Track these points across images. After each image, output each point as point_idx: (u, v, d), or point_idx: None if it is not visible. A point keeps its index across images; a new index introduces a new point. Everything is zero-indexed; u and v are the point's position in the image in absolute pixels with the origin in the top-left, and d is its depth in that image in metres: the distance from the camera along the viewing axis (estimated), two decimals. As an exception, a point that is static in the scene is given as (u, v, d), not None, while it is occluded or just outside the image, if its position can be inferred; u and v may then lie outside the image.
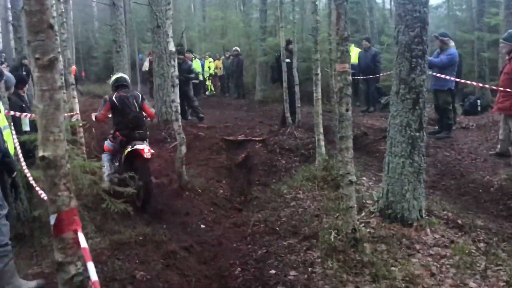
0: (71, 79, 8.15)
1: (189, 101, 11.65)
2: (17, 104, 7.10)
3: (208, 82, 21.09)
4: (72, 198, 2.14)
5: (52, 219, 2.13)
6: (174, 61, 6.86)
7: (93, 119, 6.49)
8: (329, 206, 5.18)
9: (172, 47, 6.79)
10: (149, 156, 6.09)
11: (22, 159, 5.07)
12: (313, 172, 6.50)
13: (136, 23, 23.70)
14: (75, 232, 2.19)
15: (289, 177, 7.53)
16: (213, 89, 21.20)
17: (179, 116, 6.86)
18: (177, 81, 6.85)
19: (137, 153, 6.07)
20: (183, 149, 6.85)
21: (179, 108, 6.83)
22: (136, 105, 6.33)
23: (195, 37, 24.65)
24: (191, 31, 24.92)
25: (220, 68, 20.54)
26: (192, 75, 11.53)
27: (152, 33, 10.59)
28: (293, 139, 9.43)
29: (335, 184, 5.95)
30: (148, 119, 6.88)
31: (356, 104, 14.02)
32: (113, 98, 6.31)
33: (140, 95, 6.52)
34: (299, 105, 10.12)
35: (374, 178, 6.68)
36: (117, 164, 6.50)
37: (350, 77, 3.85)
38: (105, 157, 6.53)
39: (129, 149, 6.12)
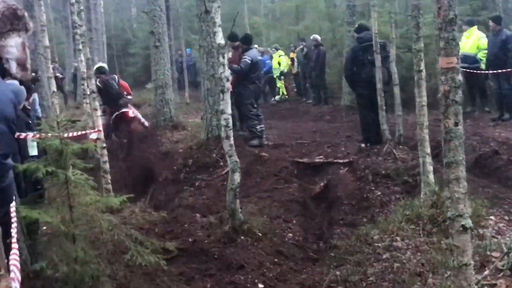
0: (92, 85, 8.39)
1: (245, 116, 11.68)
2: (23, 120, 7.32)
3: (279, 83, 21.12)
4: (2, 277, 1.76)
5: None
6: (224, 57, 6.87)
7: None
8: (437, 260, 4.91)
9: (220, 39, 6.81)
10: (132, 115, 11.76)
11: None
12: (416, 210, 6.22)
13: (183, 9, 24.29)
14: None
15: (386, 215, 7.30)
16: (285, 92, 21.20)
17: (231, 133, 6.82)
18: (228, 84, 6.84)
19: (123, 115, 11.52)
20: (236, 177, 6.78)
21: (230, 121, 6.81)
22: (115, 83, 11.88)
23: (261, 24, 24.89)
24: (256, 16, 25.20)
25: (294, 63, 20.52)
26: None
27: (199, 20, 10.75)
28: (392, 160, 9.16)
29: (447, 228, 5.66)
30: (129, 97, 12.60)
31: (484, 109, 13.45)
32: (98, 83, 10.87)
33: (116, 77, 12.27)
34: (401, 112, 9.82)
35: (507, 218, 6.32)
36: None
37: (459, 77, 3.61)
38: None
39: (117, 113, 11.53)
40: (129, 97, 12.63)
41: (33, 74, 15.10)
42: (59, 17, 31.84)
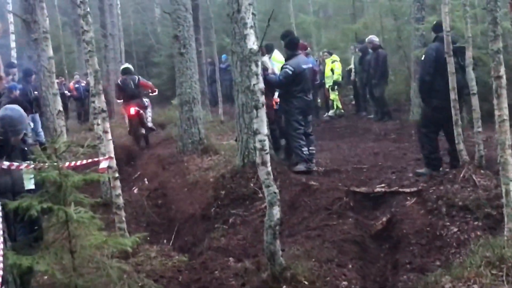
0: (101, 103, 8.45)
1: (289, 136, 11.68)
2: (18, 148, 7.38)
3: (332, 95, 20.99)
4: None
5: None
6: (257, 66, 6.83)
7: (117, 100, 18.17)
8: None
9: (252, 43, 6.78)
10: (133, 113, 16.84)
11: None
12: (499, 250, 6.07)
13: (215, 7, 24.46)
14: None
15: (463, 257, 7.14)
16: (340, 105, 21.09)
17: (267, 158, 6.80)
18: (262, 99, 6.82)
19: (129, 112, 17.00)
20: (276, 212, 6.71)
21: (266, 143, 6.79)
22: (132, 84, 17.12)
23: (310, 23, 24.92)
24: (304, 14, 25.22)
25: (351, 69, 20.45)
26: None
27: (231, 21, 10.81)
28: (471, 188, 8.97)
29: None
30: (152, 93, 18.33)
31: None
32: (119, 82, 17.68)
33: (137, 77, 17.48)
34: (480, 129, 9.65)
35: None
36: None
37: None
38: None
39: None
40: (154, 93, 18.46)
41: (35, 92, 15.44)
42: (68, 21, 32.31)
